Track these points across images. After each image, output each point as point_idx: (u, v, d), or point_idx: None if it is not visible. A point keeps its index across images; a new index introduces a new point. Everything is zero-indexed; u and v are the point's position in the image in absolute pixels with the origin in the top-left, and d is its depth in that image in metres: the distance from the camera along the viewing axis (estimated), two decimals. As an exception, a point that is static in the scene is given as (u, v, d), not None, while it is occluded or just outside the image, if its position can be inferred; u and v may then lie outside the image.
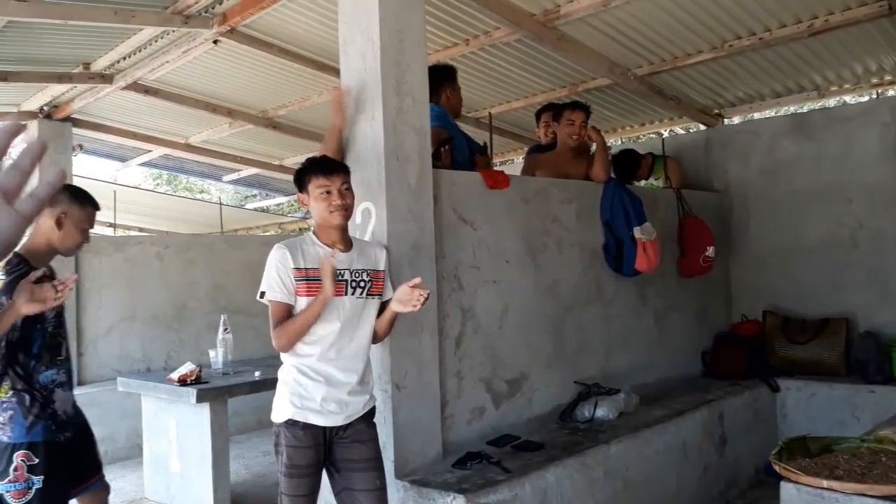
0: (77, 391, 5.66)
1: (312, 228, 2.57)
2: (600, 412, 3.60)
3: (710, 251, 4.69)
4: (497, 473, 2.78)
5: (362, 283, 2.48)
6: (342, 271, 2.42)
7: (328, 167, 2.47)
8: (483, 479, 2.72)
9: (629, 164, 5.07)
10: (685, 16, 4.17)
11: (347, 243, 2.52)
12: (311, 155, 2.70)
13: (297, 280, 2.38)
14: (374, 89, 2.90)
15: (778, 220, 5.16)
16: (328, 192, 2.41)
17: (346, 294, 2.43)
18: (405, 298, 2.40)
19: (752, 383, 4.55)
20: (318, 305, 2.33)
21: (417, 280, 2.42)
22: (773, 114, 5.91)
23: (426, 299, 2.36)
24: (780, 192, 5.17)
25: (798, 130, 5.17)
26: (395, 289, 2.53)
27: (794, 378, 4.65)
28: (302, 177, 2.48)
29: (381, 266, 2.57)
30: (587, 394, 3.71)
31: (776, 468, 2.22)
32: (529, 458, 2.98)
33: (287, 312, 2.39)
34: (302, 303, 2.39)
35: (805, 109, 6.93)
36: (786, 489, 2.18)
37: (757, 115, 5.97)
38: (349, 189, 2.46)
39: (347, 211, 2.45)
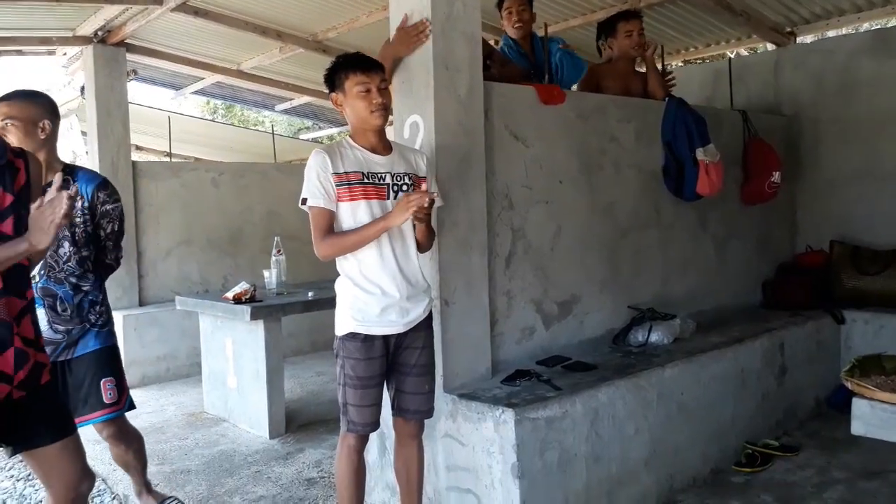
0: (139, 311, 5.92)
1: (348, 132, 2.49)
2: (654, 337, 3.51)
3: (777, 177, 4.45)
4: (547, 390, 2.75)
5: (404, 187, 2.40)
6: (383, 174, 2.36)
7: (367, 63, 2.35)
8: (532, 395, 2.69)
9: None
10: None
11: (387, 146, 2.44)
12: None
13: (337, 185, 2.32)
14: (423, -7, 2.76)
15: (852, 144, 4.84)
16: (367, 91, 2.31)
17: (388, 198, 2.37)
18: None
19: (815, 314, 4.36)
20: (377, 231, 2.28)
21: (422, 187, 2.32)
22: (851, 31, 5.49)
23: (424, 208, 2.20)
24: (855, 114, 4.83)
25: (879, 48, 4.77)
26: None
27: (861, 310, 4.44)
28: (336, 74, 2.37)
29: (423, 171, 2.48)
30: (641, 318, 3.61)
31: (848, 384, 2.11)
32: (580, 378, 2.93)
33: (329, 219, 2.34)
34: (343, 208, 2.34)
35: (890, 25, 6.40)
36: (858, 406, 2.06)
37: (832, 33, 5.57)
38: (387, 89, 2.36)
39: (387, 111, 2.36)
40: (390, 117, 2.50)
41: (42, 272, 2.67)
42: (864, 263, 4.60)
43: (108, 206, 2.76)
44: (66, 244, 2.68)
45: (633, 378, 3.02)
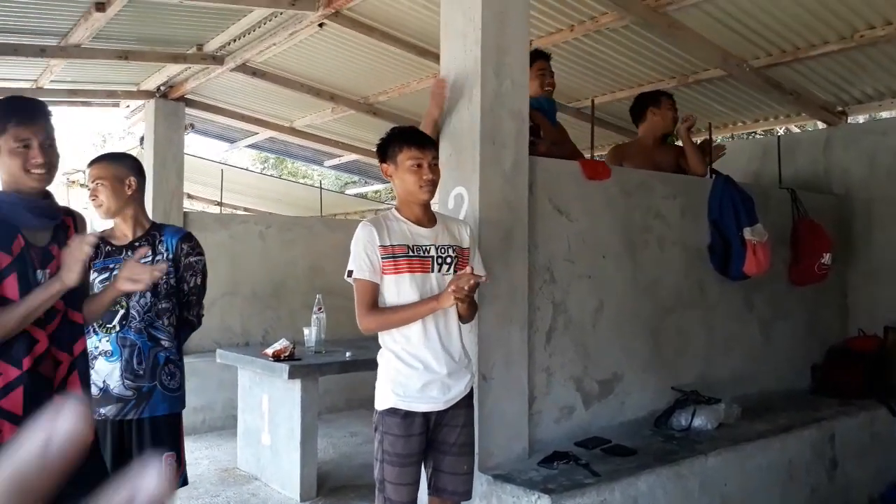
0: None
1: (395, 205, 2.51)
2: (698, 421, 3.40)
3: (827, 258, 4.34)
4: (585, 476, 2.67)
5: (448, 260, 2.40)
6: (427, 247, 2.36)
7: (421, 139, 2.40)
8: (570, 481, 2.61)
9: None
10: (811, 1, 3.85)
11: (431, 218, 2.45)
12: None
13: (383, 258, 2.34)
14: (472, 71, 2.83)
15: (906, 227, 4.72)
16: (419, 166, 2.34)
17: (432, 271, 2.37)
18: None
19: (868, 404, 4.17)
20: (427, 309, 2.28)
21: (482, 278, 2.30)
22: (905, 112, 5.42)
23: (469, 290, 2.20)
24: (910, 197, 4.72)
25: (935, 131, 4.70)
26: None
27: (918, 401, 4.24)
28: (389, 146, 2.41)
29: (466, 243, 2.48)
30: (685, 401, 3.51)
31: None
32: (620, 464, 2.84)
33: (374, 292, 2.35)
34: (388, 281, 2.35)
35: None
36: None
37: (884, 115, 5.49)
38: (437, 165, 2.40)
39: (435, 186, 2.38)
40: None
41: (123, 322, 2.57)
42: (920, 352, 4.41)
43: (192, 259, 2.69)
44: (148, 294, 2.58)
45: (675, 466, 2.91)
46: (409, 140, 2.39)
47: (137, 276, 2.08)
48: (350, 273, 2.37)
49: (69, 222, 2.06)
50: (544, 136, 3.29)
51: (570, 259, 3.22)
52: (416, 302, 2.30)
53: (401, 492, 2.34)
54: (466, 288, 2.18)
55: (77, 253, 1.87)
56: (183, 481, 2.71)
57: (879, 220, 4.85)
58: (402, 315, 2.31)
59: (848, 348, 4.69)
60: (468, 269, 2.26)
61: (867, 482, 3.99)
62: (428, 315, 2.30)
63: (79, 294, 2.04)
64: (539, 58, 3.71)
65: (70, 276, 1.87)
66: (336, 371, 4.41)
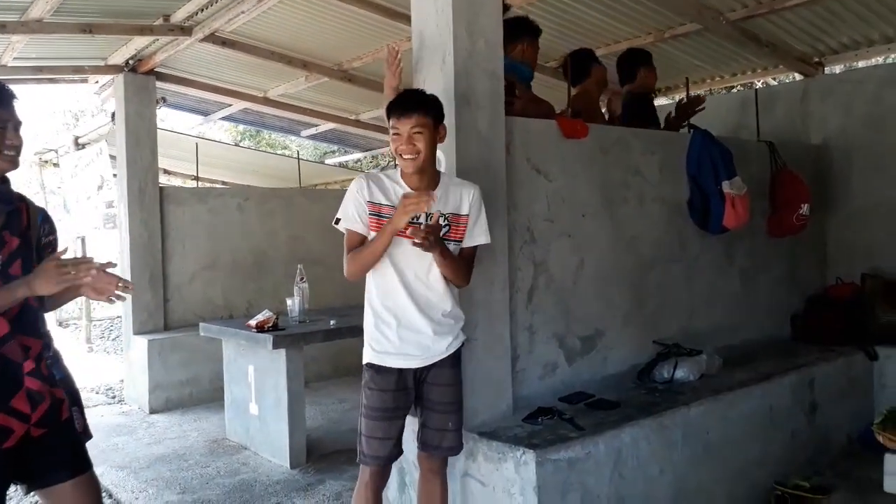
0: (163, 335, 5.97)
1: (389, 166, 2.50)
2: (680, 373, 3.44)
3: (805, 209, 4.37)
4: (569, 430, 2.70)
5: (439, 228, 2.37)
6: (418, 213, 2.31)
7: (401, 107, 2.34)
8: (554, 435, 2.64)
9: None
10: (787, -51, 3.82)
11: (430, 184, 2.39)
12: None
13: (370, 214, 2.35)
14: (445, 31, 2.78)
15: (883, 174, 4.75)
16: (397, 135, 2.32)
17: None
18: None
19: (846, 350, 4.25)
20: (386, 235, 2.27)
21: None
22: (880, 61, 5.41)
23: (425, 229, 2.20)
24: (887, 145, 4.74)
25: (911, 77, 4.71)
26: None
27: (895, 346, 4.33)
28: (387, 113, 2.40)
29: (464, 209, 2.43)
30: (666, 354, 3.55)
31: (879, 438, 2.04)
32: (603, 417, 2.89)
33: (359, 241, 2.38)
34: (371, 237, 2.37)
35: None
36: (891, 461, 2.00)
37: (861, 64, 5.49)
38: (420, 133, 2.30)
39: (416, 156, 2.32)
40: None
41: None
42: (897, 297, 4.48)
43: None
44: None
45: (658, 417, 2.96)
46: (393, 108, 2.36)
47: (54, 276, 1.82)
48: (338, 221, 2.39)
49: (22, 208, 2.03)
50: (519, 95, 3.25)
51: (549, 218, 3.22)
52: (377, 233, 2.31)
53: (372, 445, 2.40)
54: (424, 207, 2.20)
55: (72, 273, 1.81)
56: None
57: (857, 169, 4.88)
58: (368, 249, 2.33)
59: (827, 296, 4.77)
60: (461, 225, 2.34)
61: (845, 423, 4.09)
62: (388, 239, 2.27)
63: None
64: (531, 33, 3.63)
65: (47, 287, 1.81)
66: (320, 340, 4.41)
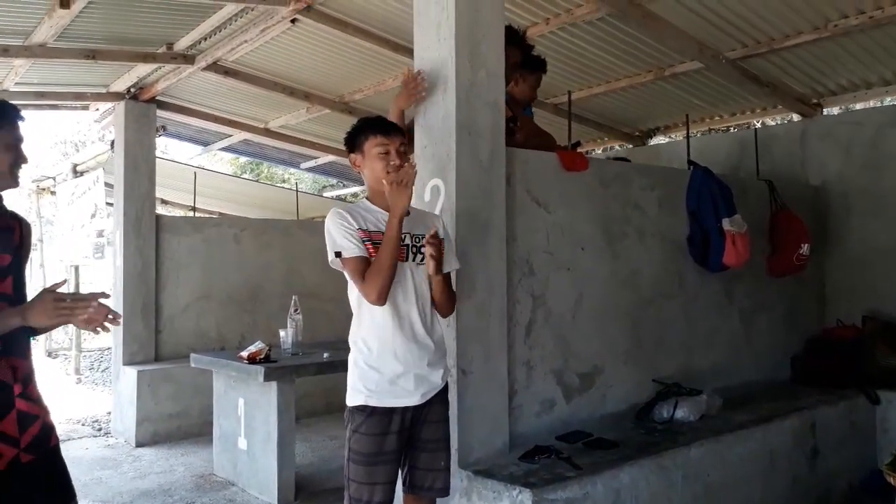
0: (153, 366, 5.85)
1: (365, 195, 2.45)
2: (680, 413, 3.37)
3: (805, 249, 4.35)
4: (566, 469, 2.62)
5: (423, 248, 2.33)
6: (403, 235, 2.27)
7: (386, 126, 2.37)
8: (552, 475, 2.56)
9: None
10: (784, -10, 3.86)
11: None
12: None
13: (363, 241, 2.28)
14: (447, 61, 2.78)
15: (883, 217, 4.74)
16: (386, 152, 2.31)
17: (407, 259, 2.31)
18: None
19: (847, 393, 4.18)
20: (393, 231, 2.19)
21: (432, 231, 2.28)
22: (878, 104, 5.44)
23: (432, 250, 2.22)
24: (886, 187, 4.74)
25: (909, 121, 4.73)
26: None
27: (896, 390, 4.25)
28: (357, 136, 2.38)
29: (440, 233, 2.39)
30: (666, 393, 3.48)
31: (890, 479, 1.97)
32: (602, 457, 2.80)
33: (367, 264, 2.25)
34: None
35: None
36: (900, 504, 1.93)
37: (859, 106, 5.52)
38: (405, 151, 2.35)
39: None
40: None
41: None
42: (898, 340, 4.43)
43: None
44: None
45: (657, 458, 2.88)
46: (375, 128, 2.36)
47: (52, 312, 1.78)
48: (338, 254, 2.27)
49: (14, 226, 1.99)
50: (521, 127, 3.24)
51: (549, 251, 3.18)
52: (382, 244, 2.23)
53: (362, 491, 2.26)
54: (411, 175, 2.20)
55: (68, 311, 1.79)
56: None
57: (856, 212, 4.87)
58: (382, 263, 2.20)
59: (827, 338, 4.71)
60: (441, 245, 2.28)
61: (848, 470, 3.99)
62: (396, 231, 2.20)
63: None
64: (540, 69, 3.66)
65: (43, 320, 1.79)
66: (313, 372, 4.32)
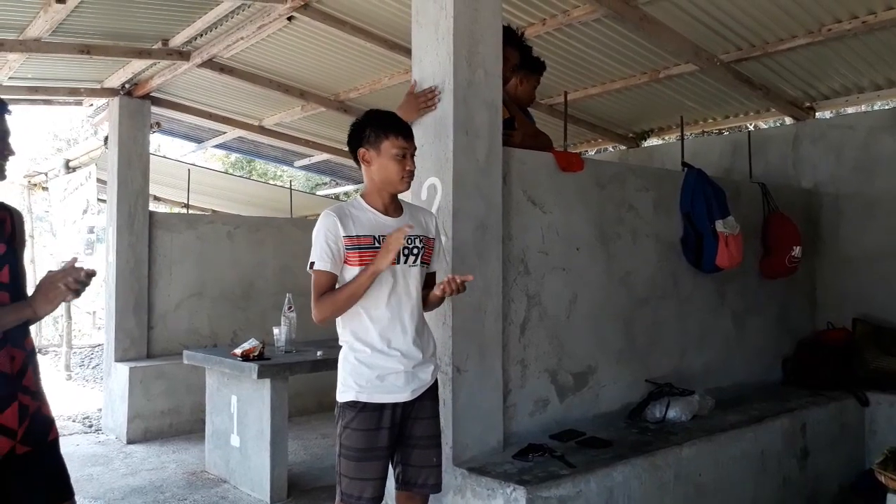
0: (146, 363, 5.83)
1: (360, 192, 2.44)
2: (672, 413, 3.39)
3: (797, 251, 4.38)
4: (560, 468, 2.63)
5: (415, 251, 2.34)
6: None
7: (407, 131, 2.35)
8: (545, 473, 2.57)
9: None
10: (780, -5, 3.89)
11: (398, 208, 2.40)
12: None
13: (347, 249, 2.26)
14: (445, 60, 2.79)
15: (874, 221, 4.78)
16: (404, 157, 2.30)
17: (398, 262, 2.29)
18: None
19: (837, 395, 4.21)
20: (367, 278, 2.20)
21: (469, 278, 2.28)
22: (870, 108, 5.49)
23: (457, 288, 2.26)
24: (877, 191, 4.78)
25: (900, 126, 4.77)
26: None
27: (886, 392, 4.28)
28: (373, 132, 2.31)
29: (432, 232, 2.43)
30: (659, 393, 3.50)
31: (881, 478, 1.99)
32: (595, 455, 2.82)
33: (331, 283, 2.27)
34: (351, 273, 2.26)
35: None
36: (894, 502, 1.95)
37: (851, 110, 5.56)
38: (415, 154, 2.37)
39: (412, 178, 2.36)
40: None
41: None
42: (888, 343, 4.47)
43: None
44: None
45: (650, 457, 2.89)
46: (397, 128, 2.32)
47: (51, 295, 1.85)
48: (312, 265, 2.28)
49: (5, 216, 1.99)
50: (518, 127, 3.25)
51: (544, 251, 3.19)
52: (357, 274, 2.23)
53: (354, 486, 2.26)
54: (402, 239, 2.20)
55: (62, 285, 1.82)
56: None
57: (847, 215, 4.91)
58: (347, 291, 2.23)
59: (818, 340, 4.74)
60: (469, 278, 2.29)
61: (837, 471, 4.03)
62: (370, 282, 2.21)
63: (23, 295, 1.95)
64: (541, 70, 3.68)
65: (48, 308, 1.84)
66: (306, 370, 4.32)
